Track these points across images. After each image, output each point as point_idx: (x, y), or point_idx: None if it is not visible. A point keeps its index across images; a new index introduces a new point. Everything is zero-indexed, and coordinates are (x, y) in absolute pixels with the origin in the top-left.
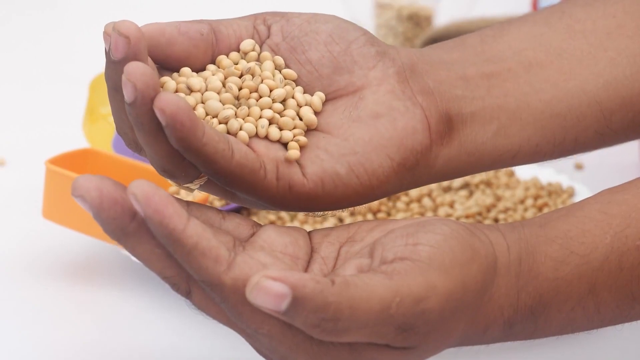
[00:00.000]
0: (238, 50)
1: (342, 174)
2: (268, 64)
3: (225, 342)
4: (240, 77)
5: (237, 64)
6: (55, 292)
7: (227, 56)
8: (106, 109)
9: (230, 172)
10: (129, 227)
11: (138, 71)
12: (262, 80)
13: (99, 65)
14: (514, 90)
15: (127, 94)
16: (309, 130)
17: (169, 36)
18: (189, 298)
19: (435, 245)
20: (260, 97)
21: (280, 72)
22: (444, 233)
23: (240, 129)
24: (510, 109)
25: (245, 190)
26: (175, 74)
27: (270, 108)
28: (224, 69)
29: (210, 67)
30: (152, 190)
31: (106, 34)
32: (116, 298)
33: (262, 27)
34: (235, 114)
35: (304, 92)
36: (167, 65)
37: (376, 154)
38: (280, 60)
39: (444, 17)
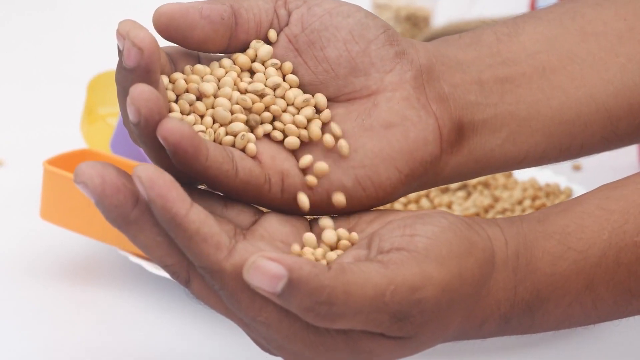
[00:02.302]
0: (256, 36)
1: (348, 186)
2: (293, 91)
3: (225, 342)
4: (252, 80)
5: (254, 61)
6: (54, 292)
7: (243, 52)
8: (104, 110)
9: (233, 189)
10: (131, 214)
11: (143, 96)
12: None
13: (98, 65)
14: (526, 97)
15: (131, 116)
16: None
17: (191, 20)
18: (188, 287)
19: (432, 237)
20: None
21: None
22: (442, 225)
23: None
24: (520, 116)
25: (249, 201)
26: (187, 68)
27: (293, 123)
28: (239, 69)
29: (225, 62)
30: (156, 174)
31: (120, 35)
32: (115, 298)
33: (283, 12)
34: (247, 123)
35: (317, 92)
36: (184, 45)
37: (384, 166)
38: (292, 74)
39: (442, 17)
